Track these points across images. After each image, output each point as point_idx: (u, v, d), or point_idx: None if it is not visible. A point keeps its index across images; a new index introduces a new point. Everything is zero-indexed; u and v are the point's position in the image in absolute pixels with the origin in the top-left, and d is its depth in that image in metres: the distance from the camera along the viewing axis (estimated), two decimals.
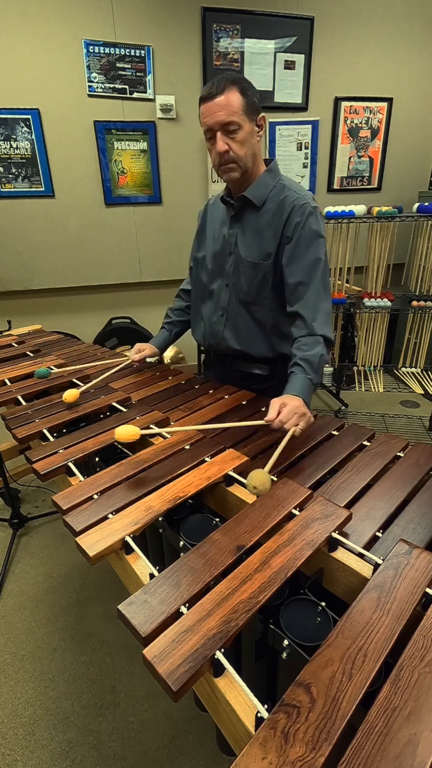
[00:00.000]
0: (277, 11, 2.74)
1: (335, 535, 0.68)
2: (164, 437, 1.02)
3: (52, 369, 1.44)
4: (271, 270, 1.21)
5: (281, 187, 1.19)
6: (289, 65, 2.87)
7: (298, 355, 1.10)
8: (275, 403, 0.97)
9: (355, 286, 2.76)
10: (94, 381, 1.34)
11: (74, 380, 1.38)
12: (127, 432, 0.94)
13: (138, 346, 1.49)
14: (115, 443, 1.00)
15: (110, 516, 0.75)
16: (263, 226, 1.20)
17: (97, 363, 1.53)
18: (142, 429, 0.97)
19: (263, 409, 1.18)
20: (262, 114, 1.13)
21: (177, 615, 0.56)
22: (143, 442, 1.06)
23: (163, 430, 1.03)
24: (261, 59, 2.82)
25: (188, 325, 1.55)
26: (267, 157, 1.24)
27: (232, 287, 1.28)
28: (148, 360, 1.53)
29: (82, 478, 0.88)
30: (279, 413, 0.95)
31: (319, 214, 1.17)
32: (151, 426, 1.06)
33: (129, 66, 2.67)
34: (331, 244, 2.53)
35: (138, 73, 2.70)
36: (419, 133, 3.23)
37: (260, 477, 0.76)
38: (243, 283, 1.25)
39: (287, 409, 0.96)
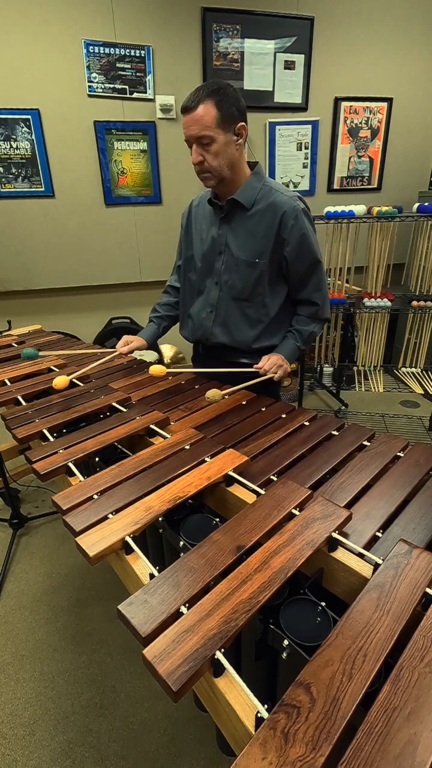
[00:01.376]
0: (277, 11, 2.74)
1: (335, 535, 0.68)
2: (165, 437, 1.02)
3: (39, 352, 1.47)
4: (267, 268, 1.28)
5: (268, 189, 1.26)
6: (289, 65, 2.87)
7: (294, 325, 1.39)
8: (264, 358, 1.31)
9: (355, 286, 2.76)
10: (84, 369, 1.36)
11: (74, 380, 1.37)
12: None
13: (126, 338, 1.47)
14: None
15: (110, 516, 0.75)
16: (254, 227, 1.26)
17: (85, 351, 1.59)
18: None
19: (263, 409, 1.19)
20: (242, 123, 1.15)
21: (177, 615, 0.56)
22: (143, 442, 1.06)
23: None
24: (261, 59, 2.82)
25: (176, 320, 1.60)
26: (252, 161, 1.31)
27: (223, 285, 1.35)
28: (136, 353, 1.53)
29: (82, 478, 0.88)
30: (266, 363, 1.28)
31: (308, 211, 1.28)
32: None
33: (129, 66, 2.67)
34: (331, 244, 2.54)
35: (138, 73, 2.70)
36: (419, 133, 3.23)
37: (213, 392, 1.15)
38: (237, 281, 1.32)
39: (270, 361, 1.29)
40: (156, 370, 1.33)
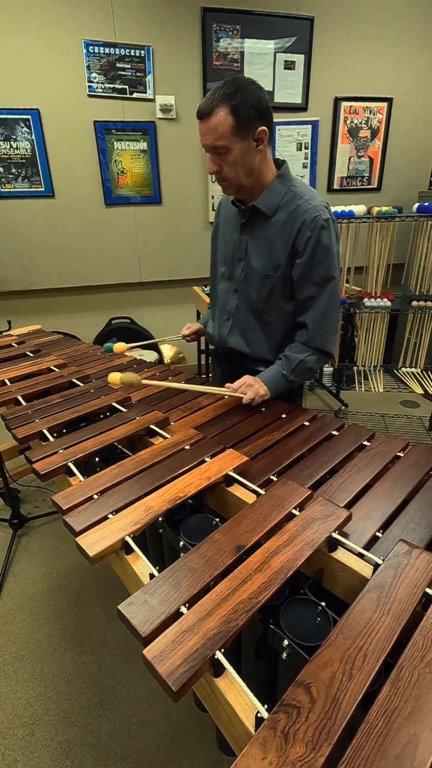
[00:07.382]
0: (277, 11, 2.74)
1: (335, 535, 0.68)
2: (165, 436, 1.02)
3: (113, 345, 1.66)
4: (281, 281, 1.19)
5: (293, 194, 1.15)
6: (289, 65, 2.87)
7: (285, 351, 1.25)
8: (241, 379, 1.21)
9: (355, 286, 2.76)
10: (167, 338, 1.73)
11: (74, 380, 1.38)
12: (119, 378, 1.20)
13: (188, 324, 1.60)
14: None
15: (110, 516, 0.75)
16: (273, 236, 1.17)
17: (150, 341, 1.84)
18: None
19: (263, 409, 1.19)
20: (262, 128, 1.03)
21: (177, 615, 0.56)
22: (143, 442, 1.06)
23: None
24: (261, 59, 2.82)
25: None
26: (278, 158, 1.20)
27: (241, 293, 1.28)
28: (136, 353, 1.62)
29: (82, 478, 0.88)
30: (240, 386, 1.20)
31: (333, 224, 1.14)
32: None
33: (129, 66, 2.67)
34: None
35: (138, 73, 2.70)
36: (419, 133, 3.23)
37: (129, 376, 1.17)
38: (252, 291, 1.24)
39: (240, 381, 1.20)
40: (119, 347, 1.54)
